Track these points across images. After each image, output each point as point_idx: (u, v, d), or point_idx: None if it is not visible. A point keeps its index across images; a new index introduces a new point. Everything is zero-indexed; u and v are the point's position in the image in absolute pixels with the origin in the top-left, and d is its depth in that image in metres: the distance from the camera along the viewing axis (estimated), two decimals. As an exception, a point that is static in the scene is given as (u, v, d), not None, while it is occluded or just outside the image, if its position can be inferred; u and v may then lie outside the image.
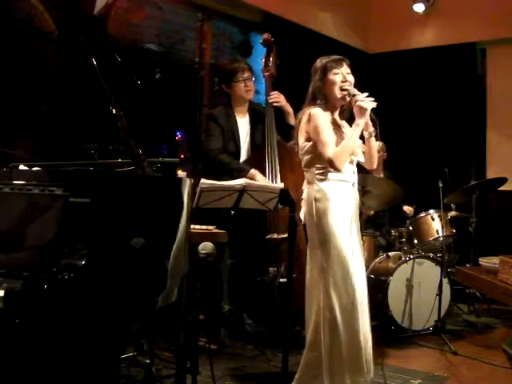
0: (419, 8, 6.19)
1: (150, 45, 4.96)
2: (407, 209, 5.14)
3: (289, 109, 4.22)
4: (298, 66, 4.49)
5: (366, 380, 2.94)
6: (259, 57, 4.77)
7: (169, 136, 4.67)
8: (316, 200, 2.98)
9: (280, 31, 5.20)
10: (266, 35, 4.32)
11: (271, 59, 4.28)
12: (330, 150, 2.92)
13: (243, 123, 4.31)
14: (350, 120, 3.08)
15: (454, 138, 6.10)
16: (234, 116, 4.28)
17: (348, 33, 6.27)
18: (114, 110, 2.39)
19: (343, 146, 2.96)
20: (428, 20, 6.27)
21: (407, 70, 6.41)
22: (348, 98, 3.02)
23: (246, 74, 4.22)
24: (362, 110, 2.94)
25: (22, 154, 2.56)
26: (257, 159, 4.19)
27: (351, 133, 2.99)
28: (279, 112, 4.27)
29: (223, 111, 4.29)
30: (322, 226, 2.95)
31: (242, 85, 4.21)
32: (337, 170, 2.95)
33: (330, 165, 2.94)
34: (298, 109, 3.25)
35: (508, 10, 5.74)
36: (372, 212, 4.96)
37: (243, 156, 4.27)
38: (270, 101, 4.23)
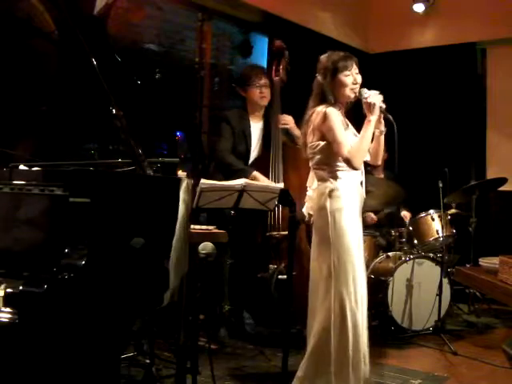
0: (419, 8, 6.18)
1: (149, 45, 4.96)
2: (404, 215, 5.14)
3: (297, 132, 4.23)
4: (298, 66, 4.50)
5: (365, 375, 2.96)
6: (259, 57, 4.78)
7: (169, 136, 4.67)
8: (330, 197, 2.98)
9: (280, 31, 5.21)
10: (278, 42, 4.41)
11: (282, 65, 4.36)
12: (346, 149, 2.95)
13: (256, 128, 4.38)
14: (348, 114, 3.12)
15: (454, 137, 6.09)
16: (248, 119, 4.35)
17: (348, 33, 6.27)
18: (113, 110, 2.39)
19: (358, 144, 2.98)
20: (428, 20, 6.27)
21: (407, 70, 6.41)
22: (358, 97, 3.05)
23: (263, 81, 4.29)
24: (371, 105, 2.97)
25: (22, 154, 2.56)
26: (262, 160, 4.24)
27: (364, 131, 2.99)
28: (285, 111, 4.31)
29: (237, 113, 4.38)
30: (336, 224, 2.95)
31: (258, 91, 4.28)
32: (354, 168, 2.98)
33: (348, 164, 2.97)
34: (298, 108, 3.25)
35: (508, 10, 5.73)
36: (376, 218, 4.97)
37: (252, 159, 4.33)
38: (279, 126, 4.27)
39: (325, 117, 2.98)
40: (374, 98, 2.99)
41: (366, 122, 3.00)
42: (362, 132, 3.01)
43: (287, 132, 4.31)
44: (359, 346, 2.92)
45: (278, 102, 4.32)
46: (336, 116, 2.99)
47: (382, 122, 3.05)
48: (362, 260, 3.03)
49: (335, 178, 3.01)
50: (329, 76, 3.03)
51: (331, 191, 2.99)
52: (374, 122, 2.99)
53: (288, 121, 4.28)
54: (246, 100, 4.40)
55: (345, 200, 2.98)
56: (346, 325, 2.90)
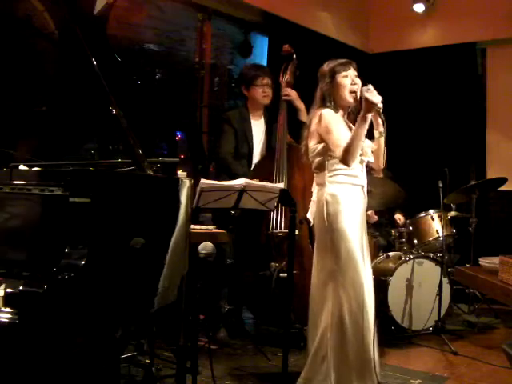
0: (419, 8, 6.18)
1: (149, 45, 4.97)
2: (398, 217, 5.14)
3: (300, 104, 4.29)
4: (299, 67, 4.50)
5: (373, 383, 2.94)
6: (259, 57, 4.77)
7: (169, 136, 4.67)
8: (327, 203, 2.97)
9: (280, 31, 5.21)
10: (286, 46, 4.42)
11: (289, 70, 4.38)
12: (339, 148, 2.91)
13: (258, 125, 4.42)
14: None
15: (454, 137, 6.09)
16: (249, 119, 4.40)
17: (348, 33, 6.27)
18: (113, 110, 2.39)
19: (349, 141, 2.88)
20: (428, 20, 6.27)
21: (407, 70, 6.41)
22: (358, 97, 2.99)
23: (266, 81, 4.35)
24: (369, 103, 2.83)
25: (22, 154, 2.56)
26: (267, 161, 4.25)
27: (357, 127, 2.88)
28: (291, 111, 4.32)
29: (238, 113, 4.42)
30: (333, 229, 2.95)
31: (261, 90, 4.34)
32: (347, 165, 2.93)
33: (342, 161, 2.93)
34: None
35: (508, 10, 5.74)
36: (376, 218, 4.97)
37: (256, 157, 4.36)
38: (282, 95, 4.32)
39: (320, 118, 2.99)
40: (374, 97, 2.89)
41: (360, 117, 2.87)
42: (354, 129, 2.92)
43: (290, 104, 4.32)
44: (366, 354, 2.91)
45: (283, 105, 4.33)
46: (331, 116, 2.98)
47: (381, 123, 2.99)
48: (367, 264, 3.03)
49: (333, 182, 2.99)
50: (327, 79, 3.05)
51: (328, 197, 2.98)
52: (368, 120, 2.88)
53: (290, 93, 4.32)
54: (247, 98, 4.43)
55: (344, 205, 2.96)
56: (345, 330, 2.90)
